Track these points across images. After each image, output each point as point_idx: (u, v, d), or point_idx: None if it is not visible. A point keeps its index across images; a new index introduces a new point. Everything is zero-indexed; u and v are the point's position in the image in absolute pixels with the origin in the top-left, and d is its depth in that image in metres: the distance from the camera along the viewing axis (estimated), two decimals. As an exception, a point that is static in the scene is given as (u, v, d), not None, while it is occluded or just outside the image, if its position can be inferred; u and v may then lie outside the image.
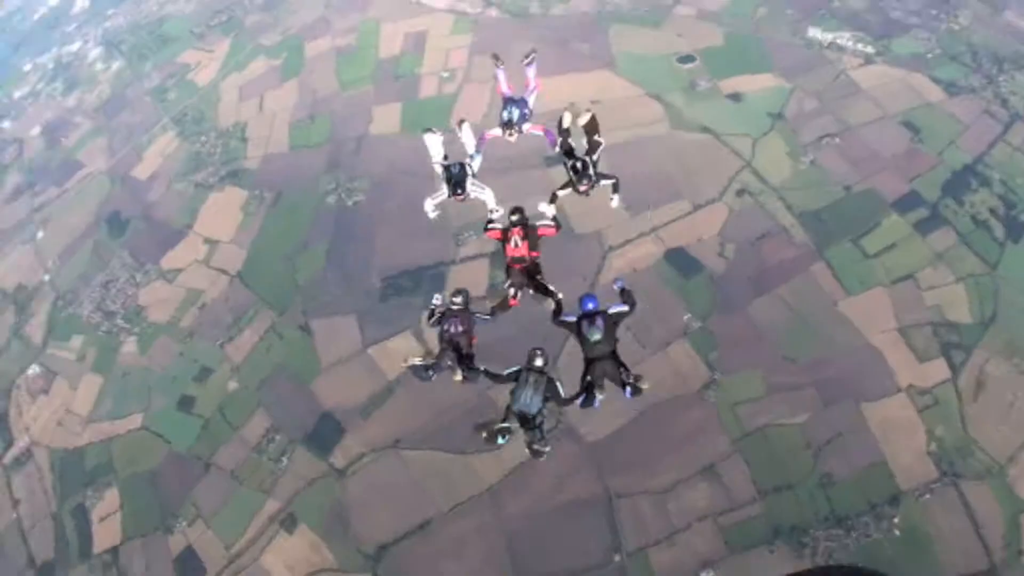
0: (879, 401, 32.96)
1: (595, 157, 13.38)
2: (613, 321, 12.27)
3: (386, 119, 45.37)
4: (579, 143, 13.88)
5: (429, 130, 14.18)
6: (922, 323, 34.31)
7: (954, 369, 33.77)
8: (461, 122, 14.14)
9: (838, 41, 43.88)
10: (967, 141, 39.28)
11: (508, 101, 14.32)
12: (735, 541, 31.29)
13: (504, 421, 12.20)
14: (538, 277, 13.29)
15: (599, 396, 11.79)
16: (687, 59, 43.46)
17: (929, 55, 43.22)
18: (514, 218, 13.24)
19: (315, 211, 42.06)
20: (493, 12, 50.61)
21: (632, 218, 38.06)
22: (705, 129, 40.22)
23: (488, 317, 13.53)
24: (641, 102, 41.96)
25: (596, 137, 13.49)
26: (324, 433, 35.00)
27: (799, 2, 46.81)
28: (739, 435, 32.83)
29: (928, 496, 32.22)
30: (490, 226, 13.75)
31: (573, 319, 12.49)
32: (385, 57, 49.45)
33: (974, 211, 37.16)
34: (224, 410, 36.85)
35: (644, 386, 11.54)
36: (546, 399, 12.33)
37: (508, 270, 13.38)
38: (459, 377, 12.63)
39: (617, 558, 31.30)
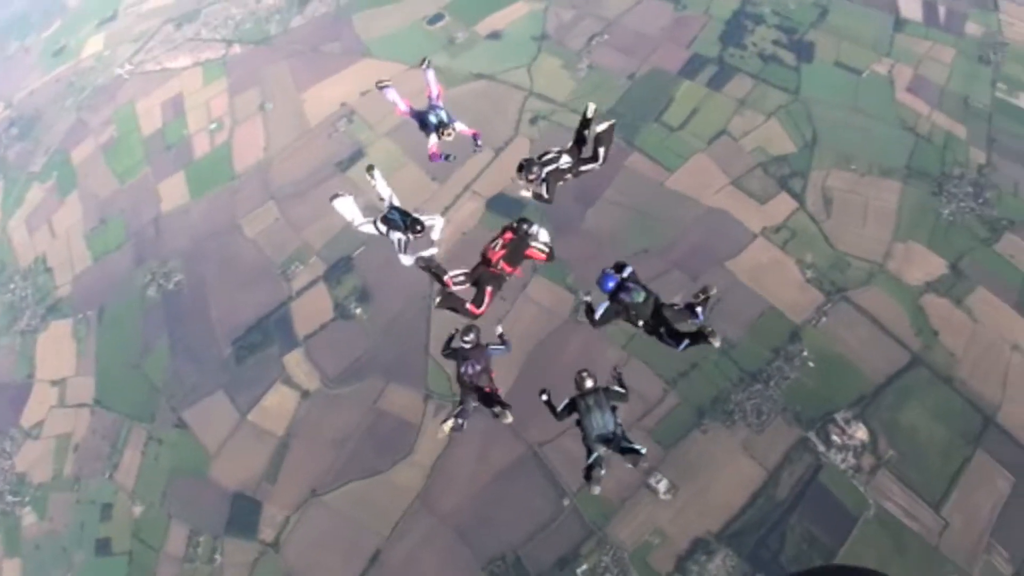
0: (740, 255, 32.93)
1: (581, 168, 12.38)
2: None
3: (174, 192, 43.99)
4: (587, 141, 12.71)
5: (336, 196, 12.65)
6: (751, 168, 34.76)
7: (798, 197, 34.10)
8: (370, 168, 12.90)
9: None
10: (727, -10, 40.37)
11: (424, 112, 13.32)
12: (666, 438, 31.02)
13: (589, 456, 11.41)
14: (486, 288, 12.09)
15: (714, 343, 10.58)
16: (436, 18, 43.41)
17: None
18: (514, 224, 12.23)
19: (141, 309, 40.26)
20: (236, 48, 49.58)
21: (442, 186, 37.63)
22: (478, 76, 40.13)
23: (502, 347, 12.76)
24: (408, 76, 39.99)
25: (600, 149, 12.24)
26: (242, 515, 33.28)
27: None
28: (625, 340, 32.40)
29: (824, 320, 32.14)
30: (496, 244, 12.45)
31: (605, 305, 11.45)
32: (150, 134, 47.96)
33: (759, 49, 38.12)
34: (140, 536, 34.25)
35: (715, 342, 10.53)
36: (614, 409, 11.52)
37: (477, 264, 12.31)
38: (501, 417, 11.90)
39: (566, 502, 30.91)
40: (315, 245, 36.82)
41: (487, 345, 12.31)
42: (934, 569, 29.87)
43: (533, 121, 38.18)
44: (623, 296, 11.08)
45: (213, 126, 44.99)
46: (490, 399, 11.78)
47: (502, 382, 12.96)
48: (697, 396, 31.80)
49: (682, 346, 10.86)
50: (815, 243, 32.62)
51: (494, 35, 41.57)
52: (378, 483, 32.33)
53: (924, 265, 34.40)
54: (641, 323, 11.09)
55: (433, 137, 13.05)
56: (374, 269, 35.83)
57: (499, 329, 12.62)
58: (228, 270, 37.86)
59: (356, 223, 12.66)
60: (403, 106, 13.32)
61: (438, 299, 12.11)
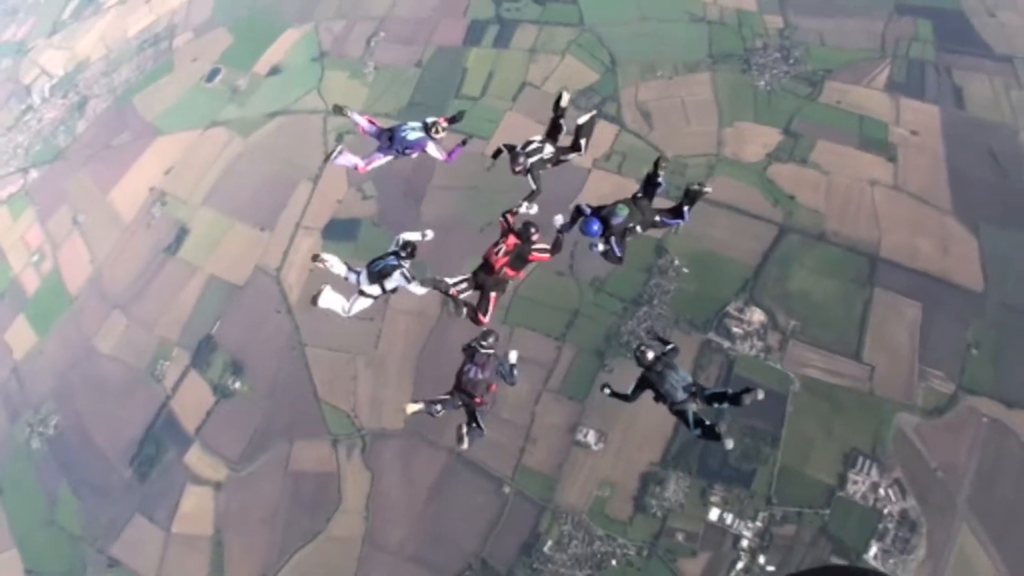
0: (582, 193, 32.64)
1: (562, 157, 11.71)
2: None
3: (21, 338, 41.64)
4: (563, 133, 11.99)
5: (316, 298, 11.24)
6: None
7: (616, 120, 34.16)
8: (316, 257, 11.36)
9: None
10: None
11: (391, 139, 11.77)
12: (577, 391, 30.93)
13: (695, 421, 10.23)
14: (491, 294, 11.30)
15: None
16: (213, 74, 42.13)
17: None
18: (519, 227, 11.16)
19: (32, 465, 37.74)
20: (33, 173, 47.01)
21: (272, 233, 36.45)
22: (272, 115, 39.10)
23: (510, 375, 11.51)
24: (205, 138, 40.12)
25: (581, 140, 11.74)
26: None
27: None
28: (503, 315, 31.71)
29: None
30: (505, 214, 11.50)
31: (600, 247, 10.73)
32: (-28, 290, 44.56)
33: None
34: None
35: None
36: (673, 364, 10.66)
37: (478, 268, 11.33)
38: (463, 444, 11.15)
39: (507, 489, 30.36)
40: (172, 337, 35.09)
41: (500, 362, 11.33)
42: (879, 414, 29.91)
43: (339, 139, 36.94)
44: (615, 222, 10.46)
45: (35, 258, 42.59)
46: (473, 413, 11.14)
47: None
48: (589, 340, 31.28)
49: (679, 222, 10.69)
50: (647, 156, 32.39)
51: (274, 71, 40.57)
52: (322, 543, 31.13)
53: (759, 139, 34.57)
54: (640, 228, 10.61)
55: (434, 150, 11.69)
56: (237, 338, 34.32)
57: (513, 356, 11.53)
58: (99, 394, 35.85)
59: (348, 311, 11.35)
60: (363, 162, 12.04)
61: (455, 309, 11.31)
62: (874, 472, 28.86)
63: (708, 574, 28.73)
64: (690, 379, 10.39)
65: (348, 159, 11.76)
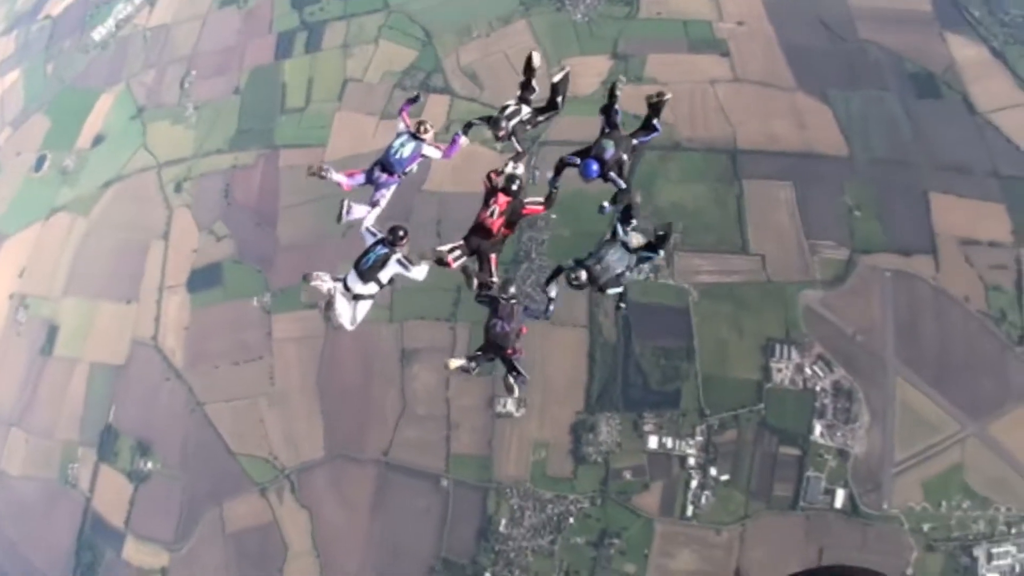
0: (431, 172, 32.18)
1: (540, 118, 10.80)
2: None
3: None
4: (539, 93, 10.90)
5: (329, 313, 9.93)
6: (389, 93, 34.15)
7: (446, 90, 33.59)
8: (307, 278, 9.64)
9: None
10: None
11: (383, 161, 10.44)
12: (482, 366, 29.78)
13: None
14: (490, 256, 10.53)
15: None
16: (39, 162, 40.14)
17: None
18: (504, 182, 10.24)
19: None
20: None
21: (139, 304, 35.00)
22: (107, 184, 37.43)
23: (543, 310, 10.33)
24: (49, 228, 38.30)
25: (558, 99, 10.83)
26: None
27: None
28: (389, 315, 31.04)
29: (537, 172, 31.57)
30: (489, 174, 10.48)
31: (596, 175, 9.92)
32: None
33: None
34: None
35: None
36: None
37: (470, 233, 10.35)
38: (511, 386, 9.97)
39: (444, 482, 29.83)
40: (73, 437, 33.32)
41: (525, 307, 10.36)
42: (783, 298, 29.82)
43: (178, 188, 35.91)
44: (607, 157, 9.81)
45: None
46: (510, 362, 10.07)
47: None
48: (478, 311, 30.43)
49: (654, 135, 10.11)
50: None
51: (98, 140, 38.89)
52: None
53: (590, 71, 33.56)
54: (626, 156, 9.97)
55: (431, 151, 10.48)
56: (135, 418, 32.89)
57: (553, 291, 10.35)
58: (22, 517, 34.08)
59: (357, 319, 10.14)
60: (348, 180, 10.60)
61: (467, 283, 10.34)
62: (795, 355, 28.77)
63: (666, 500, 28.36)
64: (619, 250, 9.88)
65: (359, 212, 10.48)
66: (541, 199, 10.56)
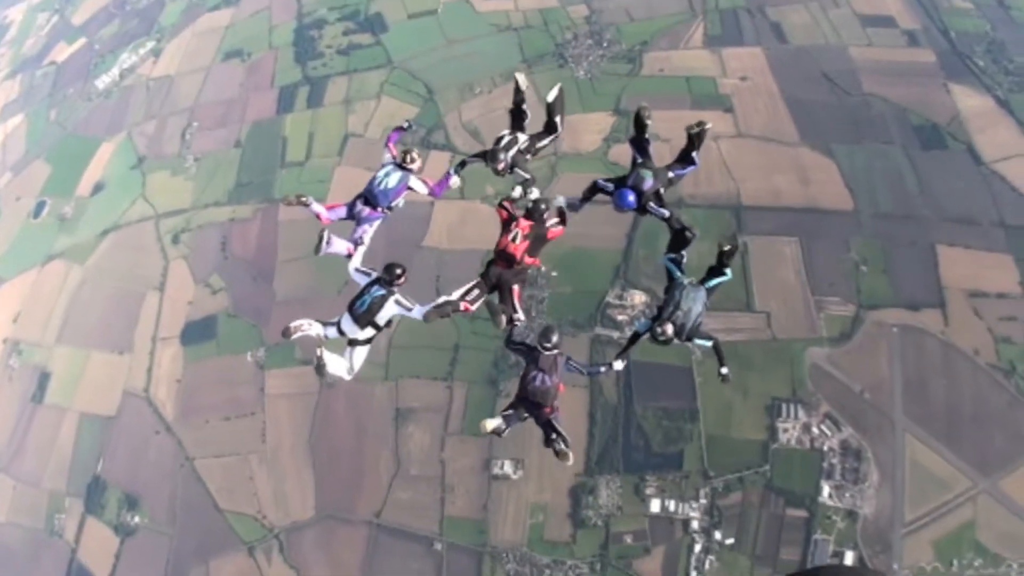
0: (430, 228, 31.76)
1: (540, 143, 10.12)
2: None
3: None
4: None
5: (321, 368, 9.02)
6: None
7: (447, 147, 33.27)
8: (286, 332, 8.90)
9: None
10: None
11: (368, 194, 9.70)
12: (477, 427, 28.91)
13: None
14: (513, 288, 9.43)
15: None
16: (39, 208, 39.73)
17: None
18: (528, 207, 9.46)
19: None
20: None
21: (132, 354, 34.24)
22: (104, 233, 36.88)
23: (603, 369, 9.43)
24: (45, 274, 37.53)
25: (556, 119, 10.14)
26: None
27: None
28: (384, 372, 30.32)
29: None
30: (503, 203, 9.71)
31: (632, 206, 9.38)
32: None
33: (336, 48, 38.00)
34: None
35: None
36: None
37: (489, 265, 9.37)
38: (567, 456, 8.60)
39: (438, 546, 28.63)
40: (61, 487, 32.20)
41: (567, 359, 8.95)
42: (789, 356, 28.92)
43: (175, 240, 35.31)
44: (646, 187, 9.25)
45: None
46: (549, 425, 8.77)
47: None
48: (478, 371, 29.81)
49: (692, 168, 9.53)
50: (486, 174, 31.80)
51: (98, 188, 38.42)
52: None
53: (592, 127, 33.60)
54: (663, 189, 9.44)
55: (417, 184, 9.82)
56: (123, 471, 31.72)
57: (620, 364, 9.18)
58: (4, 565, 32.89)
59: (354, 368, 9.35)
60: (328, 213, 9.83)
61: (496, 319, 9.23)
62: (801, 414, 27.76)
63: (668, 566, 27.11)
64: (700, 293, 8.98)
65: (339, 246, 9.66)
66: (557, 219, 9.62)
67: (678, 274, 9.15)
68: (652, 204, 9.25)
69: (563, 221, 9.70)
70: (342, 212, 9.72)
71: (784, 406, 27.94)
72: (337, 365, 9.14)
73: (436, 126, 34.52)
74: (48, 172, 39.66)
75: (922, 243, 29.76)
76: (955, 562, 25.06)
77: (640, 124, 9.46)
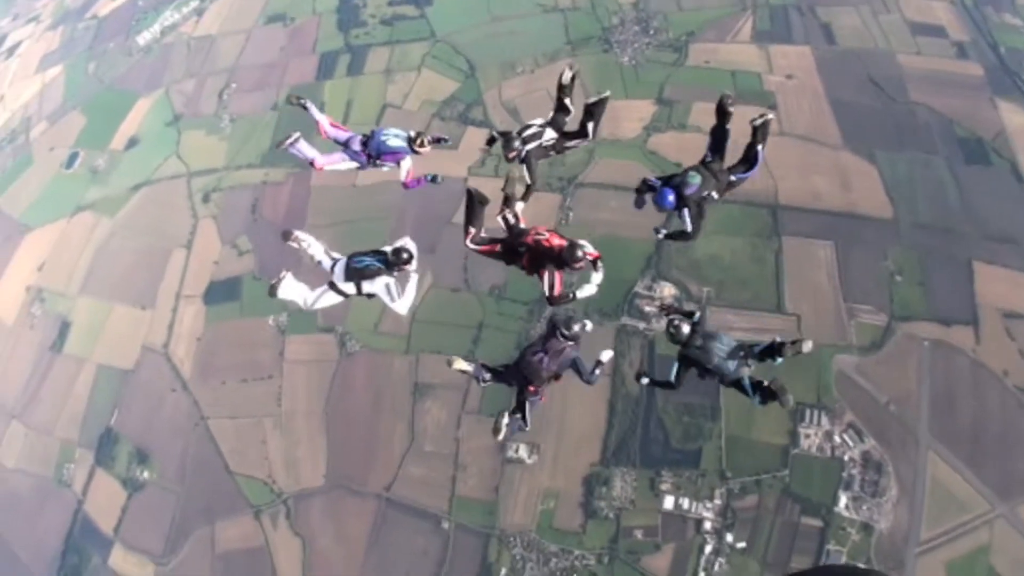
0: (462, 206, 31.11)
1: (568, 144, 9.56)
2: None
3: None
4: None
5: (275, 286, 8.69)
6: (427, 123, 33.63)
7: (485, 124, 32.68)
8: (287, 235, 8.98)
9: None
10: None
11: (365, 145, 9.46)
12: (497, 407, 28.39)
13: (754, 385, 8.31)
14: (555, 272, 8.64)
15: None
16: (72, 160, 39.36)
17: None
18: (565, 251, 8.42)
19: None
20: None
21: (154, 311, 34.01)
22: (135, 188, 36.52)
23: (591, 373, 8.74)
24: (73, 225, 37.21)
25: (566, 100, 9.46)
26: None
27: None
28: (404, 346, 29.86)
29: (571, 213, 30.33)
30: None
31: (684, 214, 8.95)
32: None
33: (379, 18, 37.50)
34: None
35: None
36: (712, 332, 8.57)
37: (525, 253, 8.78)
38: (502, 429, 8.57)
39: (446, 524, 28.18)
40: (73, 437, 32.05)
41: (575, 359, 8.63)
42: (816, 362, 28.07)
43: (206, 199, 34.94)
44: (688, 192, 8.85)
45: None
46: (523, 402, 8.65)
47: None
48: (500, 351, 28.76)
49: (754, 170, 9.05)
50: (520, 153, 31.32)
51: (132, 143, 38.11)
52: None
53: (633, 115, 32.94)
54: (716, 195, 8.98)
55: (406, 164, 9.53)
56: (136, 425, 31.50)
57: (605, 356, 8.99)
58: (12, 511, 32.68)
59: (309, 302, 9.00)
60: (324, 159, 9.66)
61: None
62: (824, 421, 26.98)
63: (677, 565, 26.35)
64: (735, 342, 8.58)
65: (305, 150, 9.57)
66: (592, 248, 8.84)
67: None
68: (687, 211, 8.78)
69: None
70: (340, 136, 9.51)
71: (808, 412, 27.14)
72: (295, 292, 8.82)
73: (475, 102, 34.04)
74: (83, 124, 39.48)
75: (960, 258, 28.91)
76: (967, 586, 23.76)
77: (722, 112, 8.82)
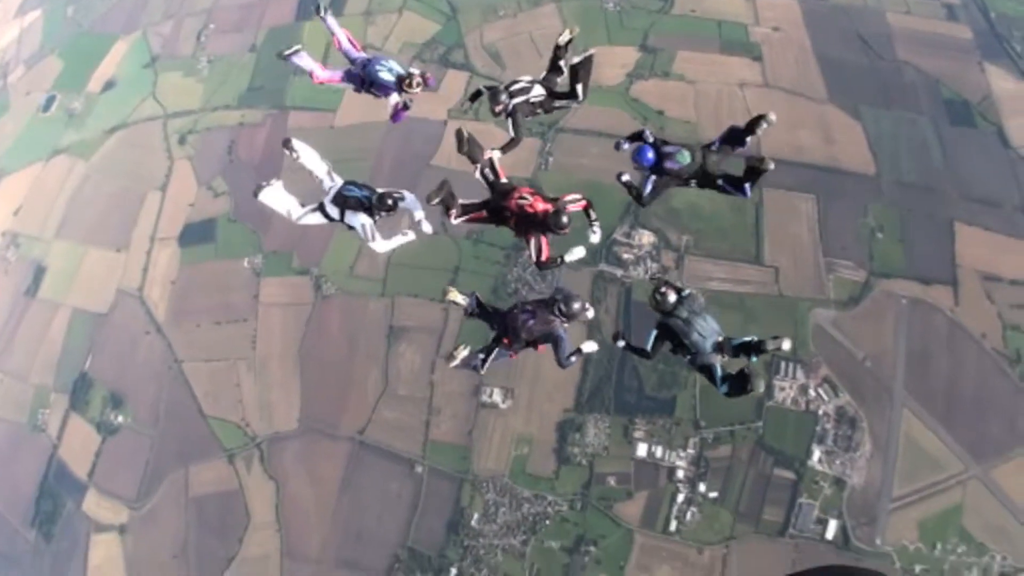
0: (442, 146, 30.84)
1: (556, 103, 9.49)
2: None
3: None
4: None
5: (260, 187, 8.83)
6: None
7: (466, 66, 32.32)
8: (287, 143, 9.07)
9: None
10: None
11: (365, 68, 9.51)
12: None
13: (723, 376, 8.15)
14: (541, 237, 8.67)
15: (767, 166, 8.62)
16: (48, 103, 38.62)
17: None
18: (552, 219, 8.41)
19: None
20: None
21: (128, 252, 33.54)
22: (111, 131, 35.95)
23: (567, 361, 8.73)
24: (49, 169, 36.53)
25: (560, 62, 9.52)
26: None
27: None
28: (380, 288, 29.52)
29: (551, 158, 30.03)
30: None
31: (652, 180, 8.83)
32: None
33: None
34: None
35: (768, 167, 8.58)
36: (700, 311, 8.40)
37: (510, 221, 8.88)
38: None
39: (419, 468, 28.24)
40: (47, 382, 31.72)
41: (560, 337, 8.51)
42: (793, 314, 28.10)
43: (182, 141, 34.43)
44: (669, 165, 8.73)
45: None
46: (491, 350, 8.58)
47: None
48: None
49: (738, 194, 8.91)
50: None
51: (109, 85, 37.50)
52: (239, 566, 28.45)
53: (616, 61, 32.44)
54: (695, 184, 9.01)
55: (393, 99, 9.56)
56: (111, 369, 31.19)
57: (588, 348, 8.86)
58: (-15, 457, 32.11)
59: (295, 216, 9.11)
60: (324, 73, 9.88)
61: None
62: (800, 374, 27.00)
63: (649, 513, 26.52)
64: (718, 327, 8.35)
65: (306, 61, 9.86)
66: (579, 196, 8.99)
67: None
68: (653, 178, 8.69)
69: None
70: (352, 54, 9.69)
71: (783, 364, 27.14)
72: (281, 202, 8.95)
73: (456, 45, 33.52)
74: (60, 67, 38.66)
75: (941, 218, 28.82)
76: (938, 545, 24.54)
77: (752, 127, 8.74)
